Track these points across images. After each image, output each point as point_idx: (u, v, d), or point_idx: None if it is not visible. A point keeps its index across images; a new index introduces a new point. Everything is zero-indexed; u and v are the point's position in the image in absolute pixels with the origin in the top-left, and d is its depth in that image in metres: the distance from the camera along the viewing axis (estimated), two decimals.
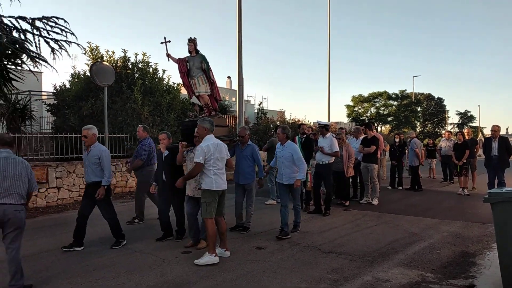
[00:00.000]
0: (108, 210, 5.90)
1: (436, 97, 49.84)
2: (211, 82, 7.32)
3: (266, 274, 4.75)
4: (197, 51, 7.20)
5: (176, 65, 8.08)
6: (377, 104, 47.56)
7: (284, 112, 28.21)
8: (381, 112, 46.94)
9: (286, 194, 6.51)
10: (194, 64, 7.22)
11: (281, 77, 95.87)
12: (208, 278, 4.65)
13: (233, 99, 27.56)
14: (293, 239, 6.24)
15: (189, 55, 7.28)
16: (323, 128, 8.21)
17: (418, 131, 44.51)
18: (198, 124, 5.35)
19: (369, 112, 47.23)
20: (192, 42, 7.18)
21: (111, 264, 5.14)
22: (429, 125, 48.87)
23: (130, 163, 7.62)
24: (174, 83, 13.54)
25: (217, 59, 60.45)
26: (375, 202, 9.16)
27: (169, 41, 7.46)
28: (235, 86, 15.99)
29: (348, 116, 47.17)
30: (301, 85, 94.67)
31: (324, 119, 18.40)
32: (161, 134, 6.35)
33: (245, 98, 16.71)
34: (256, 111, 21.42)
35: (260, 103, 21.71)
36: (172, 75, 27.83)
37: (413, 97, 45.85)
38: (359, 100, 47.54)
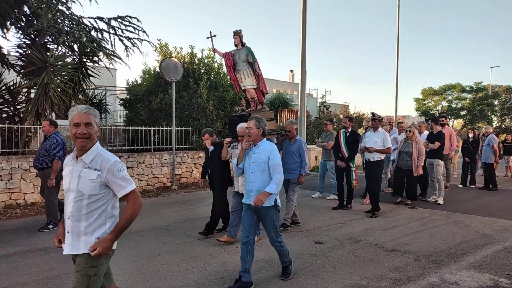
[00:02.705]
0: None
1: None
2: (257, 75, 7.10)
3: (325, 269, 4.72)
4: (243, 44, 7.03)
5: None
6: (449, 97, 44.67)
7: (348, 105, 27.50)
8: (454, 105, 44.03)
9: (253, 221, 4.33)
10: (240, 58, 7.00)
11: (346, 70, 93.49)
12: (267, 269, 4.72)
13: (295, 93, 27.42)
14: (354, 235, 6.12)
15: (235, 48, 7.12)
16: (376, 121, 7.66)
17: (494, 126, 41.16)
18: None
19: (440, 105, 44.52)
20: (237, 35, 6.99)
21: (175, 251, 5.41)
22: (507, 119, 44.97)
23: (37, 164, 6.57)
24: None
25: (279, 52, 60.25)
26: (441, 201, 8.62)
27: (215, 35, 7.34)
28: (297, 80, 15.88)
29: (417, 109, 44.88)
30: (367, 78, 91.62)
31: (391, 113, 17.68)
32: (203, 135, 6.37)
33: (307, 91, 16.54)
34: (318, 104, 21.14)
35: (323, 96, 21.37)
36: None
37: (490, 90, 42.43)
38: (429, 93, 44.96)
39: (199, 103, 11.96)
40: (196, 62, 13.11)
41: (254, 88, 7.10)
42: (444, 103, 44.55)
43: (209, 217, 6.18)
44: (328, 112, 19.15)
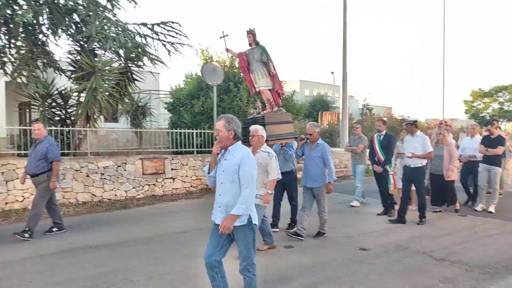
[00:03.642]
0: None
1: None
2: (272, 75, 6.66)
3: (371, 277, 4.57)
4: (256, 43, 6.62)
5: None
6: (501, 99, 42.36)
7: (391, 108, 26.75)
8: (506, 108, 41.69)
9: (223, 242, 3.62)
10: (254, 57, 6.58)
11: (390, 72, 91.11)
12: (310, 274, 4.64)
13: (336, 95, 27.03)
14: (401, 243, 5.90)
15: (249, 48, 6.72)
16: (412, 126, 7.19)
17: None
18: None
19: (491, 108, 42.30)
20: (250, 33, 6.58)
21: None
22: None
23: (32, 170, 6.26)
24: None
25: (320, 54, 59.81)
26: (492, 209, 8.04)
27: (227, 35, 6.98)
28: (338, 82, 15.64)
29: (466, 112, 42.90)
30: (412, 79, 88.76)
31: (438, 116, 17.00)
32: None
33: (349, 93, 16.23)
34: (360, 107, 20.72)
35: (365, 98, 20.95)
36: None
37: None
38: (479, 95, 42.87)
39: (239, 106, 12.05)
40: (236, 65, 13.23)
41: (269, 89, 6.72)
42: (495, 105, 42.32)
43: None
44: (371, 115, 18.72)
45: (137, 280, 4.45)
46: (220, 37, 7.06)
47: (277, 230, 6.42)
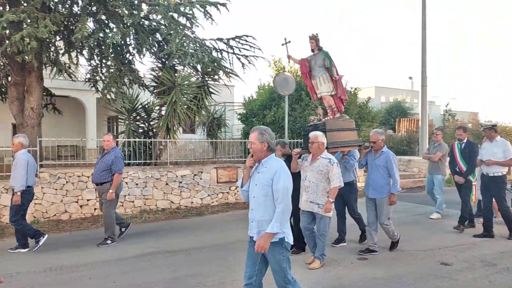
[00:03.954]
0: None
1: None
2: (335, 81, 6.39)
3: None
4: (319, 48, 6.40)
5: None
6: None
7: (477, 113, 24.74)
8: None
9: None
10: (316, 63, 6.38)
11: (475, 75, 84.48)
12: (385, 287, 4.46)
13: (415, 101, 25.70)
14: (488, 258, 5.41)
15: (312, 54, 6.54)
16: (491, 130, 6.60)
17: None
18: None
19: None
20: (313, 39, 6.39)
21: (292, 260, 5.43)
22: None
23: (97, 178, 6.55)
24: (351, 88, 13.49)
25: (396, 59, 57.44)
26: None
27: (289, 42, 6.88)
28: (417, 87, 14.91)
29: None
30: (501, 82, 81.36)
31: None
32: (276, 146, 6.13)
33: (429, 99, 15.37)
34: (442, 112, 19.47)
35: (447, 104, 19.63)
36: (349, 80, 27.70)
37: None
38: None
39: (311, 115, 11.99)
40: None
41: (331, 95, 6.46)
42: None
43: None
44: (454, 121, 17.50)
45: (211, 285, 4.62)
46: (282, 44, 7.00)
47: (345, 244, 6.24)
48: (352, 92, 13.28)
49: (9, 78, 9.21)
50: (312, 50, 6.53)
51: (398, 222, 7.64)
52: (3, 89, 10.55)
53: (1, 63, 9.27)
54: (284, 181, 3.23)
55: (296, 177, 5.32)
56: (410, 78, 35.13)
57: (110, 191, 6.41)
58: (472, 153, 7.11)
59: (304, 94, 12.33)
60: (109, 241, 6.44)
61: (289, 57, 6.91)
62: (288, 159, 5.61)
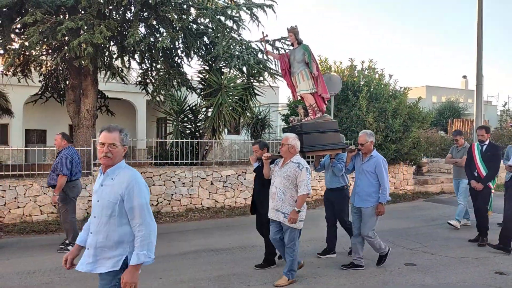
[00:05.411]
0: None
1: None
2: (315, 77, 5.72)
3: None
4: (299, 42, 5.76)
5: None
6: None
7: None
8: None
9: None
10: (295, 58, 5.71)
11: None
12: None
13: (469, 101, 24.43)
14: None
15: (292, 48, 5.91)
16: None
17: None
18: None
19: None
20: (291, 31, 5.73)
21: (331, 265, 5.36)
22: None
23: (49, 181, 6.18)
24: (400, 88, 13.08)
25: (449, 57, 54.83)
26: None
27: (267, 35, 6.34)
28: (471, 86, 14.18)
29: None
30: None
31: None
32: (253, 145, 5.50)
33: (485, 98, 14.57)
34: (499, 113, 18.37)
35: (505, 103, 18.48)
36: (399, 80, 26.78)
37: None
38: None
39: (358, 115, 11.74)
40: (356, 74, 12.95)
41: (312, 93, 5.77)
42: None
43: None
44: (511, 121, 16.43)
45: (254, 285, 4.66)
46: (261, 40, 6.48)
47: (334, 255, 5.74)
48: (402, 92, 12.86)
49: (67, 82, 9.80)
50: (292, 44, 5.95)
51: (448, 227, 7.31)
52: (61, 92, 11.25)
53: (60, 68, 9.90)
54: (140, 198, 2.62)
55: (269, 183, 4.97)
56: (464, 77, 33.44)
57: (53, 194, 6.06)
58: (494, 157, 6.39)
59: (351, 94, 12.11)
60: (70, 247, 5.83)
61: (267, 52, 6.46)
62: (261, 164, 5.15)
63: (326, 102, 5.88)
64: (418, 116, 12.30)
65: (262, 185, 5.10)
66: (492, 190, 6.54)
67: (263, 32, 6.46)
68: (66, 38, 8.10)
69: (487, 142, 6.58)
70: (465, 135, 16.57)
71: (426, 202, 10.44)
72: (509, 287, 4.52)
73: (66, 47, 7.90)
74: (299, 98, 6.05)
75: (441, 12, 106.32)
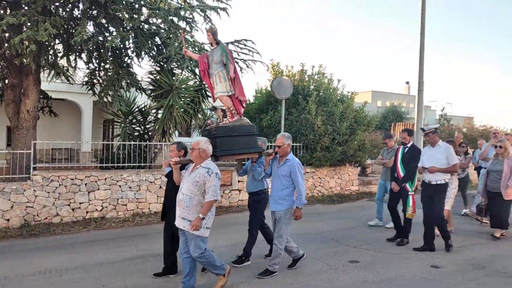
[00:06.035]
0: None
1: None
2: (232, 79, 5.57)
3: None
4: (217, 42, 5.61)
5: None
6: None
7: (472, 117, 24.89)
8: None
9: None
10: (213, 59, 5.55)
11: (471, 80, 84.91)
12: None
13: (411, 106, 25.86)
14: (478, 261, 5.48)
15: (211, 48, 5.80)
16: (435, 134, 6.22)
17: None
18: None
19: None
20: (210, 31, 5.63)
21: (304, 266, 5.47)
22: None
23: None
24: (348, 92, 13.57)
25: (393, 64, 57.70)
26: None
27: (186, 33, 5.78)
28: (413, 92, 15.01)
29: None
30: (495, 87, 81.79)
31: None
32: (172, 144, 5.23)
33: (425, 103, 15.47)
34: (437, 117, 19.60)
35: (443, 108, 19.76)
36: (347, 84, 27.78)
37: None
38: None
39: (307, 118, 12.05)
40: (306, 79, 13.29)
41: (229, 96, 5.55)
42: None
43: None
44: (449, 126, 17.62)
45: (201, 285, 4.65)
46: (179, 39, 5.99)
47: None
48: (349, 96, 13.36)
49: (6, 81, 9.25)
50: (211, 44, 5.75)
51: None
52: None
53: None
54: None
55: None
56: (407, 83, 35.35)
57: None
58: (412, 159, 6.55)
59: (301, 98, 12.41)
60: None
61: (185, 52, 6.13)
62: (181, 168, 4.80)
63: (244, 105, 5.72)
64: (363, 119, 12.81)
65: (174, 191, 4.71)
66: (411, 193, 6.51)
67: (182, 31, 5.93)
68: (7, 34, 7.67)
69: (409, 145, 6.78)
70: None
71: (369, 202, 10.90)
72: (443, 278, 4.85)
73: (6, 44, 7.47)
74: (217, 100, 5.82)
75: (388, 20, 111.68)
